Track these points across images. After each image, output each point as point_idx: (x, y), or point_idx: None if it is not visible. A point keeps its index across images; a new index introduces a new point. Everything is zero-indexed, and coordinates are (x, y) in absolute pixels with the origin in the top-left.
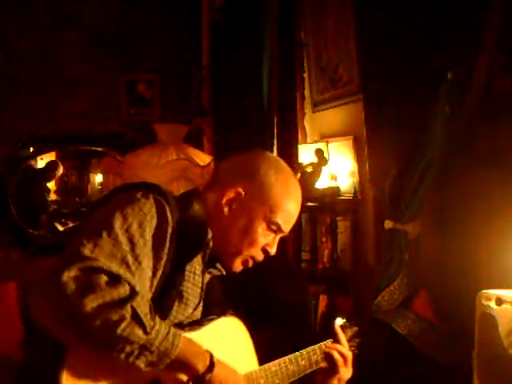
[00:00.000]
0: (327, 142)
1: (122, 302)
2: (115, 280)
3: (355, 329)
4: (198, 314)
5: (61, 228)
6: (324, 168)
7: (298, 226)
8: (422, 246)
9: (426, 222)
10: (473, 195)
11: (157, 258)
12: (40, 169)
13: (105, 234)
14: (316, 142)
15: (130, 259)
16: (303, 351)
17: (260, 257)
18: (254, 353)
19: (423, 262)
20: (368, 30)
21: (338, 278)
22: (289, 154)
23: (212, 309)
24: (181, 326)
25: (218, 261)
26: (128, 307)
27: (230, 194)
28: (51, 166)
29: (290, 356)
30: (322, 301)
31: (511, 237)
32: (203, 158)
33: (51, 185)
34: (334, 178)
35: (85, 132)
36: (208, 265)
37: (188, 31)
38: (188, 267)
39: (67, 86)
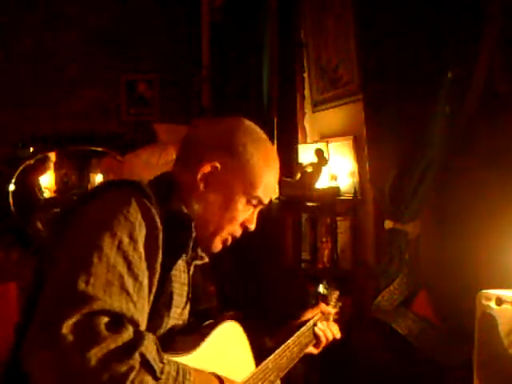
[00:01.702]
0: (327, 142)
1: (128, 350)
2: (118, 322)
3: (337, 292)
4: (186, 312)
5: None
6: (324, 168)
7: (298, 226)
8: (422, 246)
9: (426, 222)
10: (473, 195)
11: (152, 270)
12: (33, 164)
13: (96, 258)
14: (316, 142)
15: (129, 284)
16: (294, 337)
17: (239, 233)
18: (251, 354)
19: (423, 262)
20: (368, 30)
21: (338, 277)
22: (289, 154)
23: (199, 302)
24: (183, 340)
25: (197, 247)
26: (136, 355)
27: (206, 169)
28: (43, 159)
29: (283, 347)
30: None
31: (511, 237)
32: None
33: (51, 184)
34: (334, 178)
35: (85, 132)
36: (192, 256)
37: (188, 31)
38: (174, 267)
39: (67, 86)
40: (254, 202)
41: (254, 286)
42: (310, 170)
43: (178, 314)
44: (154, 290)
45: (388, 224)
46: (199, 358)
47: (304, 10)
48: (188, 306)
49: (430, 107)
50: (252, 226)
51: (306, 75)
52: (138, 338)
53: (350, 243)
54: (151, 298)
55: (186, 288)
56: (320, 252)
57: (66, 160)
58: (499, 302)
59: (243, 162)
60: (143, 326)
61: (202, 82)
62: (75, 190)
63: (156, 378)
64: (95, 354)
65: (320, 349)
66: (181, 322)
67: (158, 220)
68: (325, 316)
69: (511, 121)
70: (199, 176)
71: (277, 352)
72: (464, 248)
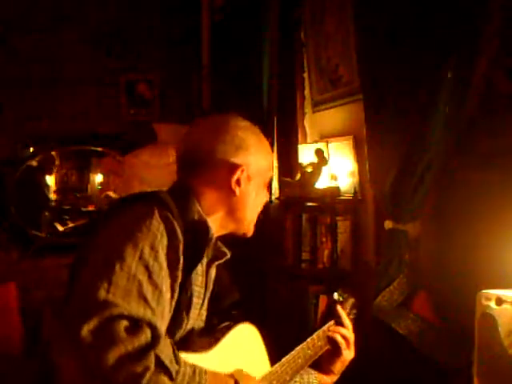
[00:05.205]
0: (327, 142)
1: (144, 351)
2: (135, 325)
3: (352, 300)
4: (203, 312)
5: (61, 228)
6: (324, 168)
7: (298, 226)
8: (422, 246)
9: (426, 222)
10: (473, 195)
11: (173, 278)
12: (38, 165)
13: (117, 267)
14: (316, 142)
15: (148, 291)
16: (309, 340)
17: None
18: (266, 355)
19: (423, 261)
20: (368, 30)
21: (338, 277)
22: (289, 154)
23: (223, 299)
24: (200, 340)
25: (217, 244)
26: (151, 356)
27: (236, 175)
28: (48, 160)
29: (298, 349)
30: (322, 301)
31: (511, 237)
32: None
33: (52, 183)
34: (334, 178)
35: (85, 132)
36: (211, 258)
37: (188, 31)
38: (194, 272)
39: (67, 86)
40: (268, 181)
41: (254, 286)
42: (309, 169)
43: (196, 314)
44: (175, 295)
45: (388, 224)
46: (215, 358)
47: (304, 10)
48: (204, 306)
49: (429, 107)
50: (268, 196)
51: (305, 75)
52: (155, 340)
53: (350, 243)
54: (173, 302)
55: (202, 291)
56: (320, 252)
57: (66, 160)
58: (499, 301)
59: (255, 153)
60: (162, 331)
61: (201, 81)
62: (79, 193)
63: (172, 379)
64: (113, 355)
65: (344, 355)
66: (199, 322)
67: (179, 231)
68: (339, 322)
69: (511, 121)
70: (233, 184)
71: (292, 354)
72: (464, 248)
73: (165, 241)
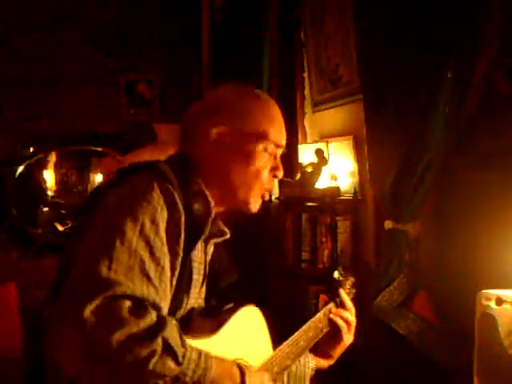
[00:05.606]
0: (327, 142)
1: (150, 334)
2: (140, 306)
3: (352, 279)
4: (203, 290)
5: (61, 228)
6: (324, 168)
7: (298, 226)
8: (422, 246)
9: (426, 222)
10: (473, 195)
11: (174, 254)
12: (37, 165)
13: (118, 243)
14: (316, 142)
15: (150, 268)
16: (309, 323)
17: (271, 183)
18: (269, 339)
19: (423, 262)
20: (368, 30)
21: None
22: (289, 154)
23: (221, 279)
24: (203, 323)
25: (217, 222)
26: (159, 339)
27: (214, 135)
28: (46, 159)
29: (299, 331)
30: (322, 301)
31: (511, 237)
32: None
33: (51, 184)
34: (334, 178)
35: (85, 132)
36: (211, 234)
37: (188, 31)
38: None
39: (67, 86)
40: (271, 147)
41: (254, 286)
42: (309, 169)
43: (197, 293)
44: (176, 272)
45: (388, 224)
46: (219, 342)
47: (304, 10)
48: (205, 285)
49: (429, 107)
50: (280, 173)
51: (305, 75)
52: (161, 322)
53: (350, 243)
54: (174, 280)
55: (202, 267)
56: (320, 252)
57: (65, 160)
58: (499, 301)
59: (244, 114)
60: (165, 310)
61: (201, 81)
62: (79, 188)
63: (178, 363)
64: (118, 338)
65: (344, 339)
66: (200, 301)
67: (179, 203)
68: (342, 305)
69: (511, 121)
70: (211, 145)
71: (293, 337)
72: (464, 248)
73: (165, 214)
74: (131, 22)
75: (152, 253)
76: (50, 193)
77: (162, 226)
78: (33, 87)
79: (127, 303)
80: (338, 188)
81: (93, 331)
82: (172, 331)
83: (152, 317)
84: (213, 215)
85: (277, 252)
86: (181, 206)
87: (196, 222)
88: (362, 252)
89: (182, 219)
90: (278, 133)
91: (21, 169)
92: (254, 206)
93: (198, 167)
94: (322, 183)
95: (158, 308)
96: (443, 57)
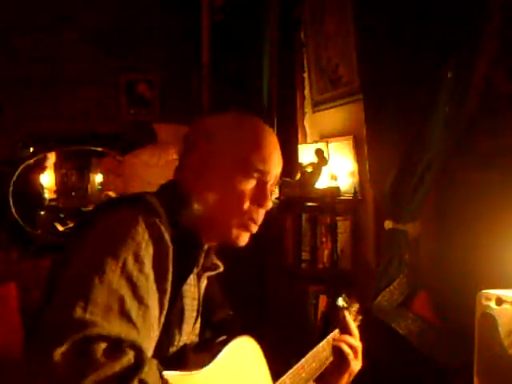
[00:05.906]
0: (327, 142)
1: (127, 377)
2: (116, 347)
3: (357, 305)
4: (197, 326)
5: (61, 228)
6: (324, 168)
7: (298, 226)
8: (422, 246)
9: (426, 221)
10: (473, 195)
11: (162, 291)
12: (36, 165)
13: (97, 281)
14: (316, 142)
15: (132, 307)
16: (312, 352)
17: (257, 214)
18: (268, 371)
19: (423, 262)
20: (368, 30)
21: (338, 277)
22: (289, 154)
23: (214, 313)
24: (196, 357)
25: (211, 255)
26: (135, 382)
27: (193, 163)
28: (45, 159)
29: (302, 361)
30: (322, 301)
31: (511, 237)
32: None
33: (51, 184)
34: (334, 178)
35: (85, 132)
36: (204, 268)
37: (188, 31)
38: (186, 282)
39: (67, 86)
40: (255, 174)
41: (254, 287)
42: (309, 169)
43: (190, 329)
44: (164, 309)
45: (388, 224)
46: (211, 375)
47: (304, 10)
48: (199, 320)
49: (429, 107)
50: (266, 203)
51: (305, 75)
52: (138, 363)
53: (350, 243)
54: (162, 318)
55: (196, 302)
56: (320, 252)
57: (65, 160)
58: (499, 301)
59: (221, 141)
60: (149, 351)
61: (201, 81)
62: (77, 192)
63: None
64: (91, 382)
65: (351, 366)
66: (193, 337)
67: (167, 237)
68: (346, 331)
69: (511, 121)
70: (192, 173)
71: (295, 367)
72: (464, 248)
73: (151, 249)
74: (131, 22)
75: (134, 291)
76: (48, 195)
77: (148, 262)
78: (33, 87)
79: (102, 345)
80: (338, 188)
81: (63, 376)
82: (150, 372)
83: (129, 358)
84: (205, 248)
85: (277, 252)
86: (168, 240)
87: (186, 255)
88: (362, 252)
89: (170, 253)
90: (261, 160)
91: (21, 169)
92: (237, 238)
93: (186, 196)
94: (322, 183)
95: (137, 349)
96: (443, 57)
